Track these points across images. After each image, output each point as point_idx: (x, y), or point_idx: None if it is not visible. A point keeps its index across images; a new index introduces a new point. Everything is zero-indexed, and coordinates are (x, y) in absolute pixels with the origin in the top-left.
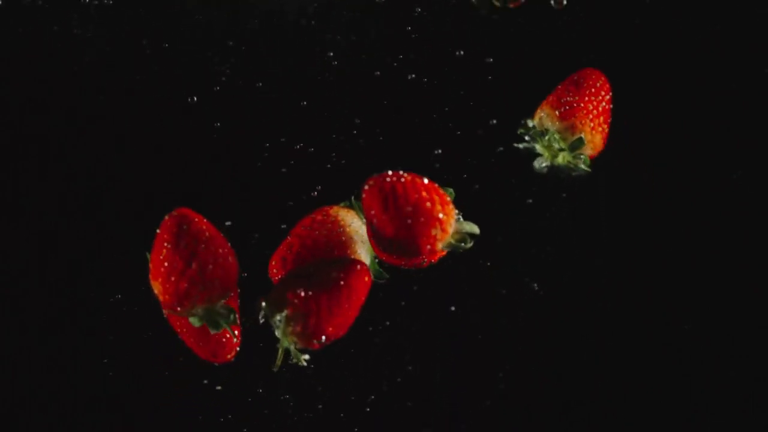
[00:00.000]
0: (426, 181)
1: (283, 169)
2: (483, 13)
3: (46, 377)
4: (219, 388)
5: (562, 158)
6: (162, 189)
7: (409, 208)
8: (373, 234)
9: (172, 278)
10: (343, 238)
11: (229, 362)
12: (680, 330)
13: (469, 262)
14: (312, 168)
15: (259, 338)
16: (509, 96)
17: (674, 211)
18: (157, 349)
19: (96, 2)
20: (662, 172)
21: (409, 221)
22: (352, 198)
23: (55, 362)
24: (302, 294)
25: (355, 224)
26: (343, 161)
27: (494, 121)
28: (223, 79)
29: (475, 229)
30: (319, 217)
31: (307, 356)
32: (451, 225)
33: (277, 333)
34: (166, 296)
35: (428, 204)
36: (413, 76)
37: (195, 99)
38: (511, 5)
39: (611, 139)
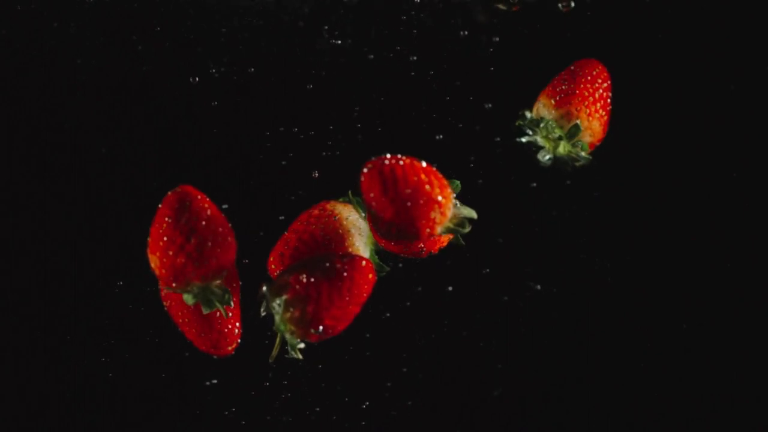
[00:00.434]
0: (424, 164)
1: (283, 162)
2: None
3: (44, 369)
4: (215, 382)
5: (562, 148)
6: (162, 188)
7: (409, 191)
8: (372, 218)
9: (170, 252)
10: (340, 231)
11: (228, 355)
12: (680, 329)
13: (468, 261)
14: (311, 165)
15: (258, 338)
16: (509, 94)
17: (674, 210)
18: (156, 344)
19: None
20: (662, 171)
21: (409, 204)
22: (350, 193)
23: (53, 354)
24: (304, 279)
25: (352, 217)
26: (341, 154)
27: (494, 116)
28: (223, 70)
29: (473, 213)
30: (316, 212)
31: (302, 345)
32: (449, 208)
33: (276, 319)
34: (163, 270)
35: (427, 187)
36: (413, 73)
37: (197, 79)
38: (514, 9)
39: (614, 136)
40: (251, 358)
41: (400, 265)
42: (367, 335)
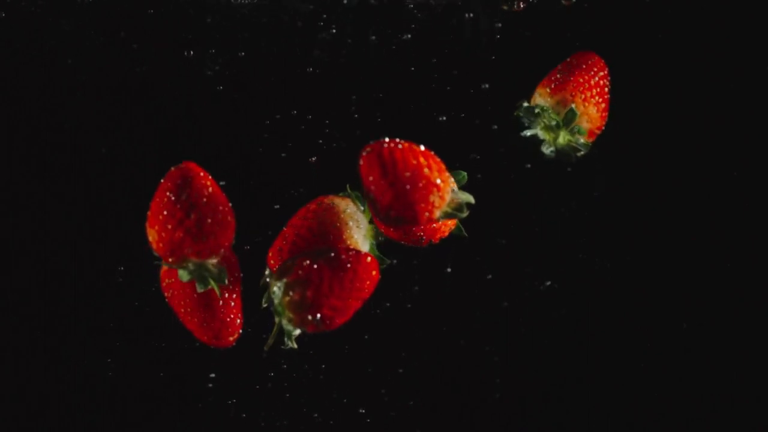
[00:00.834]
0: (423, 148)
1: (282, 153)
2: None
3: (44, 368)
4: (212, 376)
5: (562, 138)
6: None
7: (408, 174)
8: (370, 202)
9: (169, 226)
10: (338, 224)
11: (229, 346)
12: (680, 329)
13: (468, 261)
14: (310, 163)
15: (257, 338)
16: (510, 94)
17: (674, 210)
18: (156, 344)
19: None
20: (662, 171)
21: (408, 187)
22: (348, 187)
23: (53, 355)
24: (307, 263)
25: (350, 210)
26: (340, 151)
27: (493, 115)
28: (219, 69)
29: (470, 198)
30: (313, 207)
31: (298, 332)
32: (448, 192)
33: (275, 302)
34: (160, 244)
35: (426, 170)
36: (412, 68)
37: (191, 53)
38: (515, 8)
39: (614, 136)
40: (250, 357)
41: (395, 261)
42: (366, 336)
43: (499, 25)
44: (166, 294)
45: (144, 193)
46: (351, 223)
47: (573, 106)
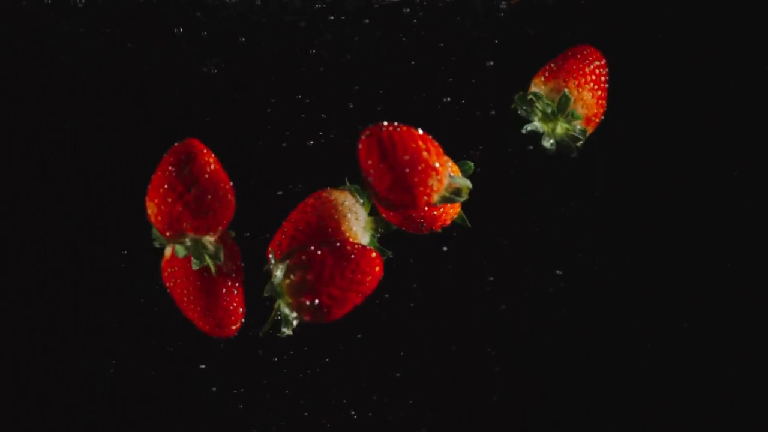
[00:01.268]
0: (421, 131)
1: (281, 151)
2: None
3: (44, 368)
4: (203, 366)
5: (560, 127)
6: None
7: (407, 157)
8: (369, 186)
9: (169, 199)
10: (336, 216)
11: (231, 336)
12: (680, 329)
13: (468, 261)
14: (310, 161)
15: (257, 338)
16: (509, 93)
17: (674, 210)
18: (156, 344)
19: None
20: (662, 171)
21: (407, 170)
22: (347, 180)
23: (53, 354)
24: (310, 248)
25: (348, 202)
26: (339, 148)
27: (493, 114)
28: (217, 69)
29: (468, 183)
30: (312, 200)
31: (296, 321)
32: (446, 176)
33: (275, 283)
34: (159, 218)
35: (425, 153)
36: (413, 63)
37: (181, 30)
38: (513, 2)
39: (615, 136)
40: (250, 357)
41: (391, 254)
42: (366, 336)
43: (503, 13)
44: (167, 284)
45: (144, 193)
46: (350, 216)
47: (566, 90)
